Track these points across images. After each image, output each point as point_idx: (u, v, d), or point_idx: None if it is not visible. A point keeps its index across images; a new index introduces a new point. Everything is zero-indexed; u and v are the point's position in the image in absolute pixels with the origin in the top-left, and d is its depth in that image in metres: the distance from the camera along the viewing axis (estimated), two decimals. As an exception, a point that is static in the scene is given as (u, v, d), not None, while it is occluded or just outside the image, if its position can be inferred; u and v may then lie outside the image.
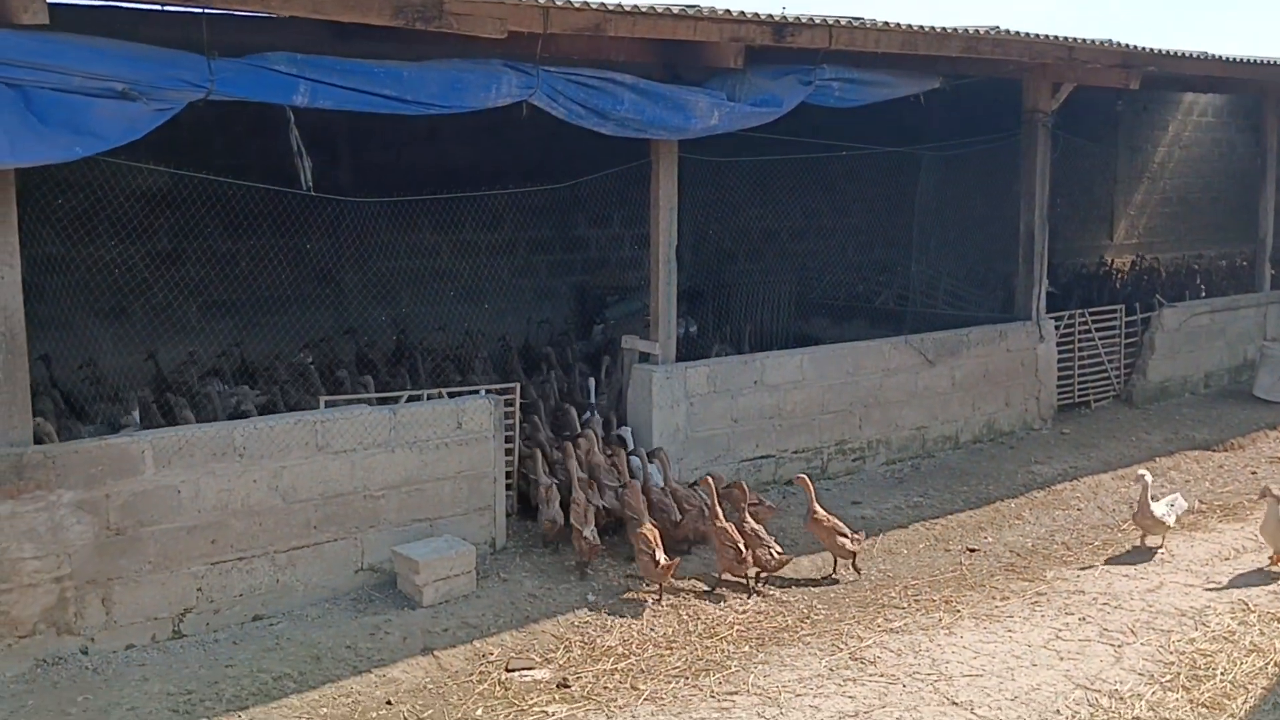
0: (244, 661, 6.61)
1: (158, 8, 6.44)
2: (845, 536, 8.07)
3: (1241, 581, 7.94)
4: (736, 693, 6.40)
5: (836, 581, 8.03)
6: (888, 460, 10.56)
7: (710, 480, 8.03)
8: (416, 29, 6.83)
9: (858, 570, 8.23)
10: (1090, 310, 12.83)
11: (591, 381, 10.31)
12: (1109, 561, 8.42)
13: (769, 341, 12.86)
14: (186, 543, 6.82)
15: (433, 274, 12.98)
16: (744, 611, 7.60)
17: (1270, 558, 8.17)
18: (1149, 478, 8.45)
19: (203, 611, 6.91)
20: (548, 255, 14.31)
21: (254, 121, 6.91)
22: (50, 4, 5.60)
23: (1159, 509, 8.42)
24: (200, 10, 6.14)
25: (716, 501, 7.90)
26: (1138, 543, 8.69)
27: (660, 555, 7.52)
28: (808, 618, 7.54)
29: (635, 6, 7.58)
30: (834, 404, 10.10)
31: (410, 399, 8.38)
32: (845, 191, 14.53)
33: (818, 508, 8.14)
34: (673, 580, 7.74)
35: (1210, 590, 7.80)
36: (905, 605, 7.66)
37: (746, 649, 7.03)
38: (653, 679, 6.60)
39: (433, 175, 12.12)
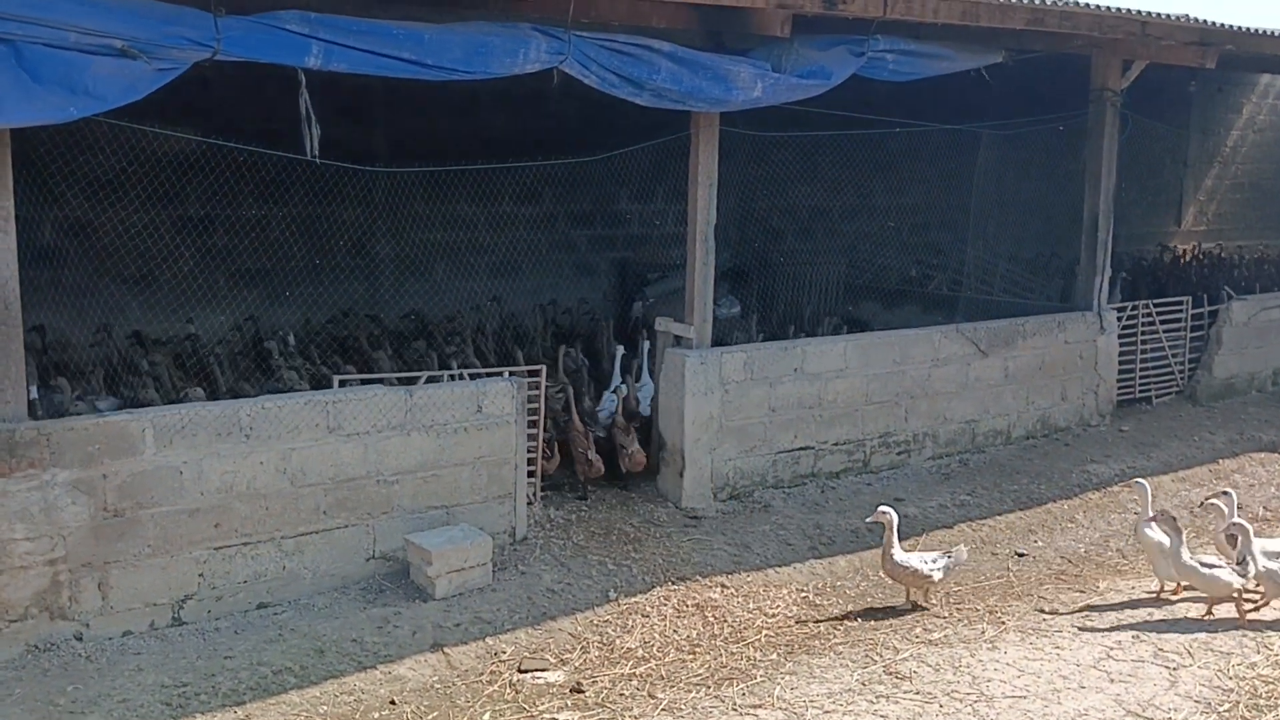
0: (244, 653, 6.30)
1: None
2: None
3: (1311, 600, 7.39)
4: (760, 706, 5.98)
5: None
6: (934, 455, 10.05)
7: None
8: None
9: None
10: (1155, 301, 12.19)
11: (619, 349, 9.91)
12: (1167, 573, 7.89)
13: (815, 324, 12.39)
14: (188, 526, 6.51)
15: (468, 247, 12.61)
16: (774, 615, 7.19)
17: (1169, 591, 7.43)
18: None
19: (204, 598, 6.61)
20: (588, 230, 13.90)
21: (289, 83, 6.55)
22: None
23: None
24: (206, -38, 5.76)
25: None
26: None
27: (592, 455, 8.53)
28: (841, 624, 7.11)
29: (675, -32, 7.11)
30: (879, 394, 9.61)
31: (430, 379, 8.02)
32: (900, 169, 13.95)
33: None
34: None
35: (1275, 609, 7.24)
36: (946, 614, 7.20)
37: (774, 657, 6.62)
38: (672, 687, 6.20)
39: (470, 145, 11.71)
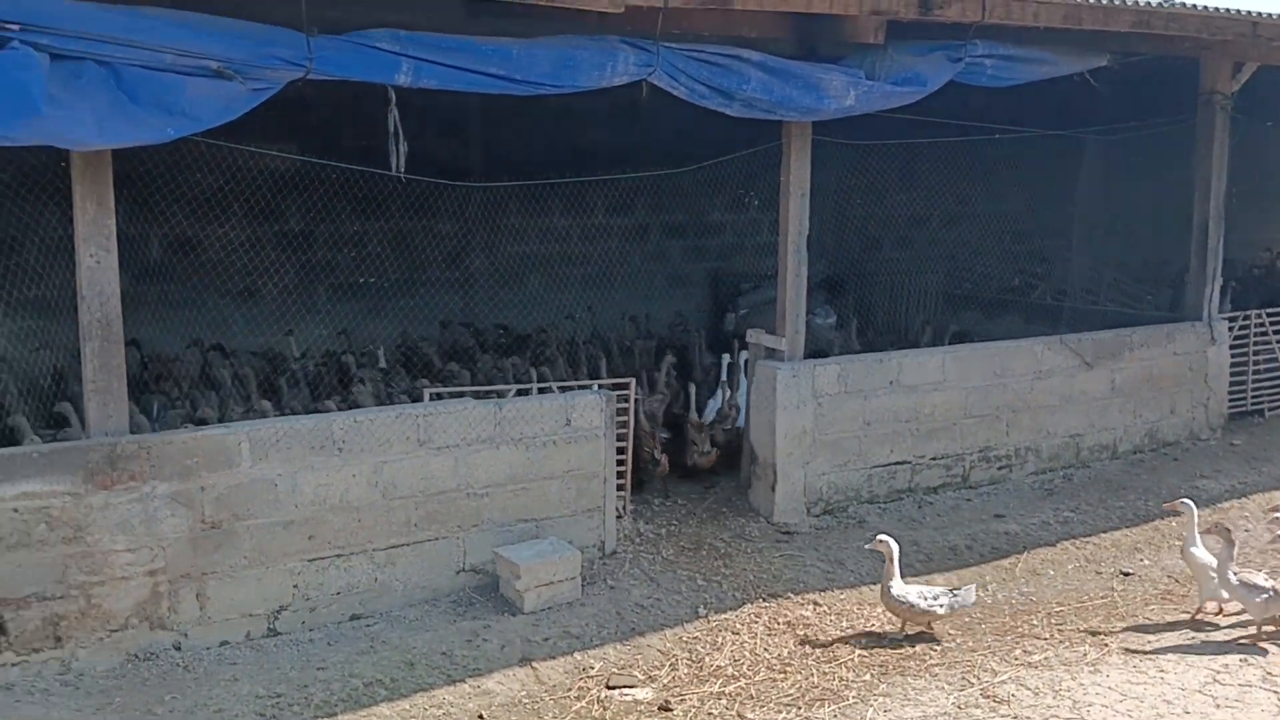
0: (336, 664, 6.36)
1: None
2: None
3: None
4: (852, 729, 5.86)
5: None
6: (1037, 470, 9.76)
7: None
8: (529, 1, 6.42)
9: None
10: (1267, 310, 11.68)
11: (727, 357, 9.88)
12: None
13: (913, 334, 12.15)
14: (283, 538, 6.61)
15: (562, 259, 12.65)
16: (867, 634, 7.03)
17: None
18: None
19: (299, 609, 6.69)
20: (681, 240, 13.84)
21: (386, 100, 6.63)
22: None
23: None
24: (298, -17, 5.84)
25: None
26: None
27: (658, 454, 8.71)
28: (938, 645, 6.92)
29: (765, -23, 7.01)
30: (978, 408, 9.36)
31: (519, 393, 8.03)
32: (1002, 176, 13.61)
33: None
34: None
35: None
36: (1047, 635, 6.97)
37: (868, 678, 6.46)
38: (762, 707, 6.10)
39: (564, 157, 11.78)
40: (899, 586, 6.89)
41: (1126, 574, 7.98)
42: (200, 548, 6.37)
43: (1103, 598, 7.60)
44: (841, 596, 7.52)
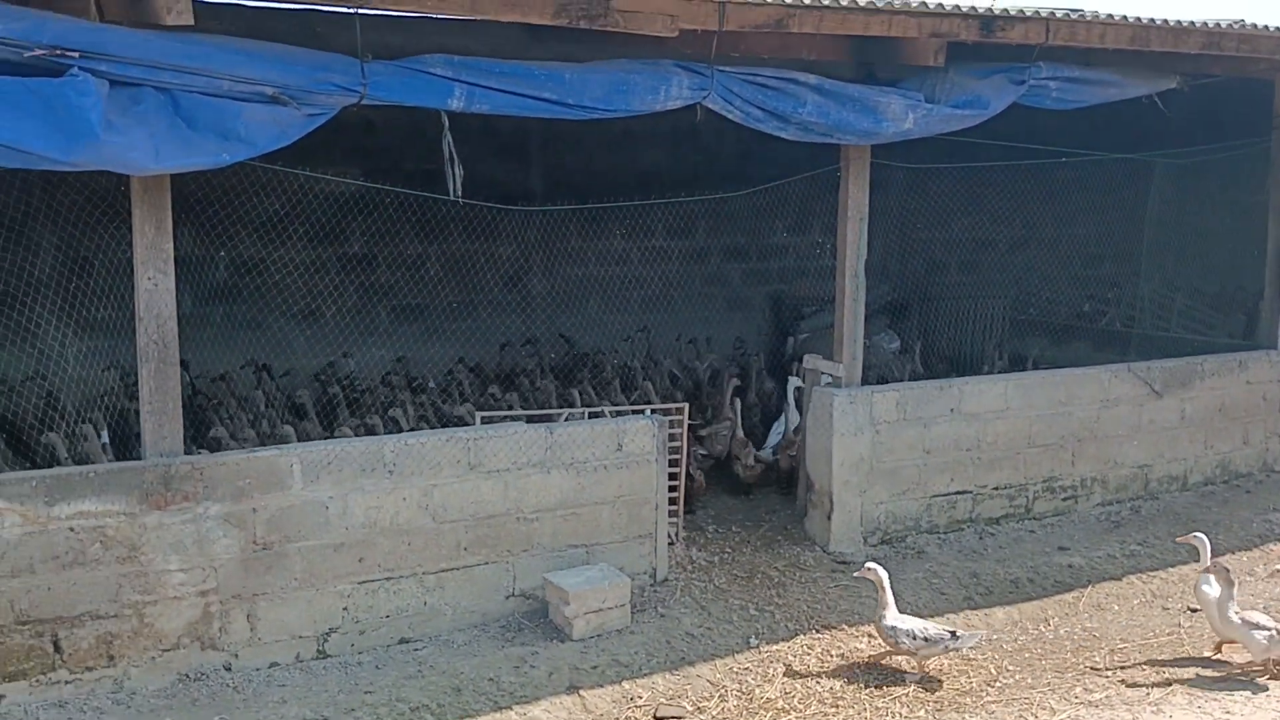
0: (384, 688, 6.35)
1: (307, 8, 6.22)
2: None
3: None
4: (904, 767, 5.71)
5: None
6: (1103, 501, 9.50)
7: None
8: (581, 27, 6.42)
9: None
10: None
11: (794, 380, 9.80)
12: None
13: (976, 361, 11.95)
14: (333, 560, 6.62)
15: (621, 281, 12.64)
16: (924, 669, 6.85)
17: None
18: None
19: (348, 632, 6.70)
20: (742, 263, 13.75)
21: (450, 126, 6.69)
22: (195, 2, 5.44)
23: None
24: (352, 10, 5.88)
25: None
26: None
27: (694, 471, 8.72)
28: (995, 681, 6.74)
29: (820, 0, 6.92)
30: (1042, 437, 9.13)
31: (570, 416, 8.00)
32: (1071, 199, 13.36)
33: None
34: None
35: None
36: (1110, 673, 6.75)
37: (922, 714, 6.31)
38: (812, 742, 5.98)
39: (624, 180, 11.80)
40: (892, 617, 6.71)
41: (1194, 610, 7.68)
42: (251, 569, 6.40)
43: (1169, 634, 7.36)
44: (897, 629, 7.35)
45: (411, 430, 8.29)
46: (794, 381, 9.74)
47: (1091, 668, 6.85)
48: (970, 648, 6.81)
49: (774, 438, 9.86)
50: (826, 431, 8.31)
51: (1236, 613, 6.59)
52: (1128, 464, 9.57)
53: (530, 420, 7.72)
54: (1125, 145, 10.64)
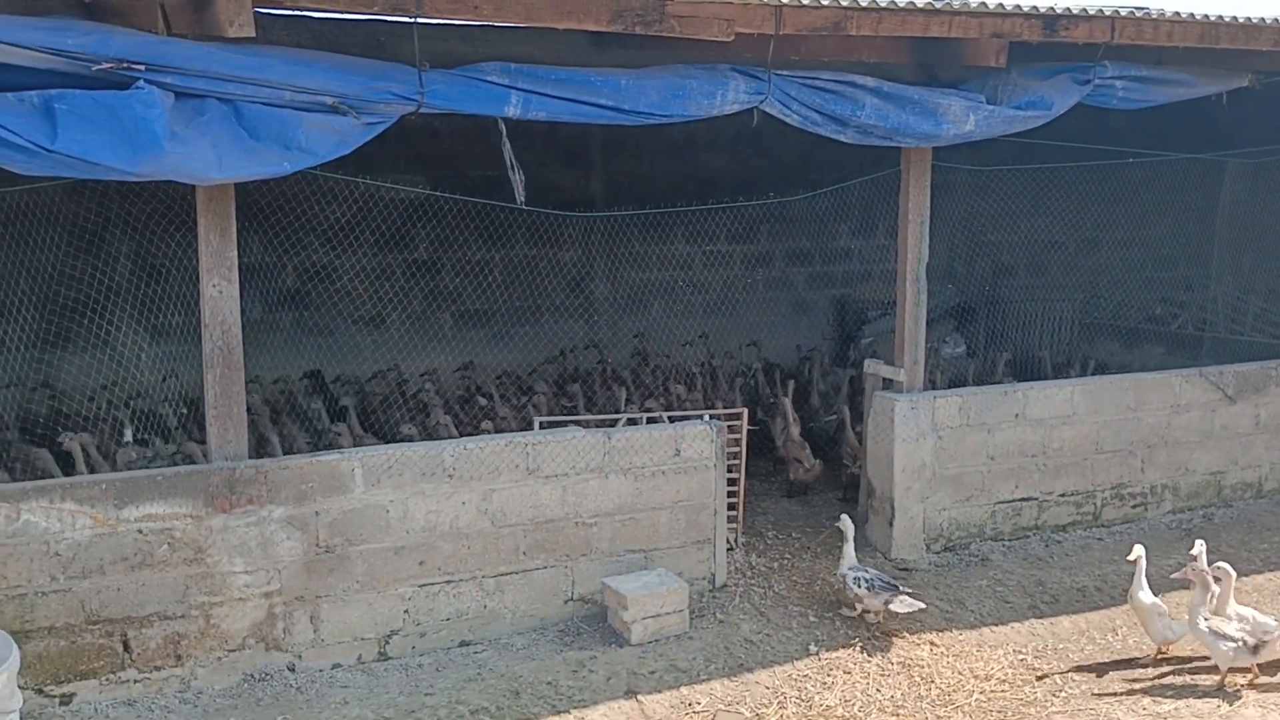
0: (444, 690, 6.41)
1: (368, 18, 6.31)
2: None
3: None
4: (964, 778, 5.62)
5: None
6: (1174, 509, 9.29)
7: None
8: (637, 33, 6.44)
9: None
10: None
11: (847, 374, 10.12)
12: None
13: (1042, 366, 11.75)
14: (394, 563, 6.70)
15: (684, 286, 12.63)
16: (987, 678, 6.76)
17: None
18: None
19: (409, 634, 6.78)
20: (805, 267, 13.66)
21: (511, 131, 6.74)
22: (256, 14, 5.54)
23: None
24: (411, 20, 5.95)
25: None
26: None
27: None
28: (1060, 691, 6.62)
29: (878, 2, 6.87)
30: (1110, 443, 8.96)
31: (629, 422, 8.01)
32: (1143, 200, 13.09)
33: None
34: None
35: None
36: (1180, 684, 6.59)
37: (983, 724, 6.22)
38: (871, 750, 5.92)
39: (686, 185, 11.78)
40: (846, 566, 7.29)
41: (1270, 621, 7.50)
42: (314, 571, 6.50)
43: (1243, 646, 7.16)
44: (960, 637, 7.26)
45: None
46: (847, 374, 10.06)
47: (1157, 677, 6.70)
48: (906, 611, 7.06)
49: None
50: (888, 437, 8.22)
51: (1205, 620, 6.52)
52: (1199, 471, 9.35)
53: (586, 426, 7.73)
54: (1197, 144, 10.40)
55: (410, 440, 8.02)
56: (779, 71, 6.97)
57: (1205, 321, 12.07)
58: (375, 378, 10.54)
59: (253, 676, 6.41)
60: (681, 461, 7.37)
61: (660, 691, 6.50)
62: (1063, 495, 8.82)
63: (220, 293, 6.20)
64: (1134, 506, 9.12)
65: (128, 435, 8.04)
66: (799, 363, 12.03)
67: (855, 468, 9.18)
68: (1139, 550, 6.99)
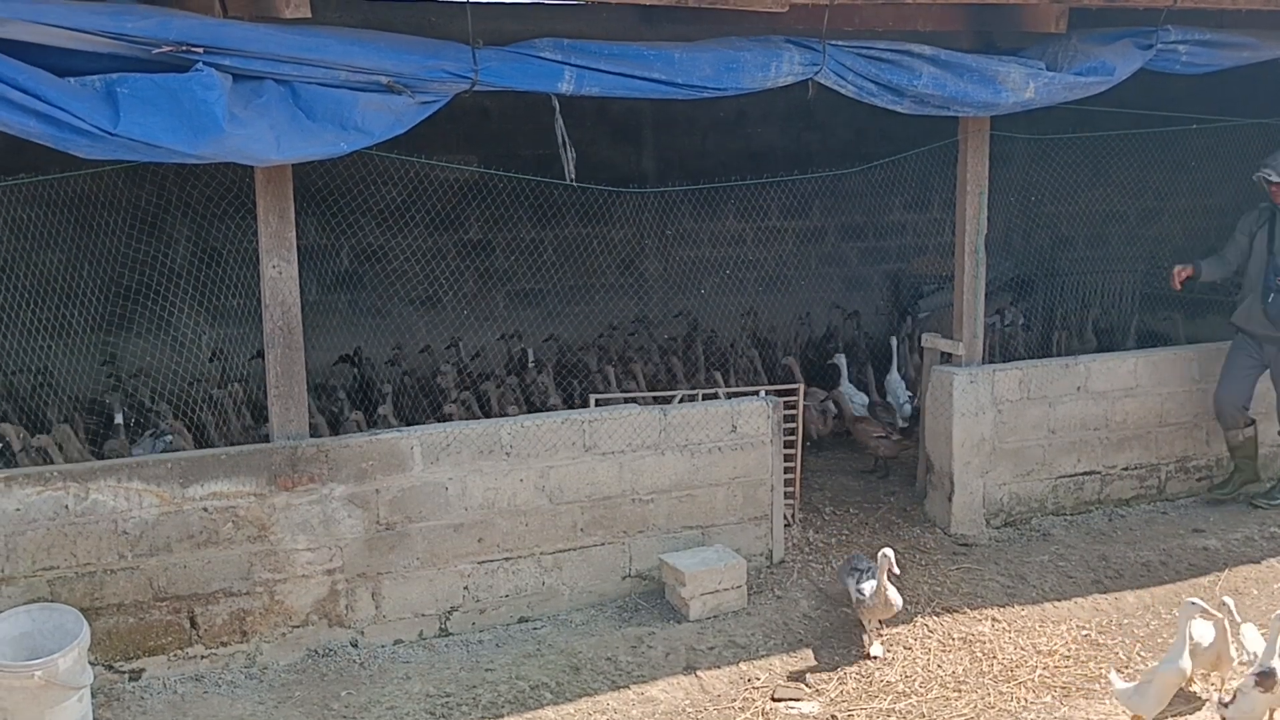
0: (504, 666, 6.46)
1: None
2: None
3: None
4: (1028, 753, 5.58)
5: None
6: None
7: None
8: (690, 6, 6.38)
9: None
10: None
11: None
12: None
13: (1106, 336, 11.56)
14: (454, 540, 6.75)
15: (736, 262, 12.56)
16: (1050, 653, 6.69)
17: None
18: None
19: (469, 610, 6.83)
20: (859, 242, 13.52)
21: (562, 108, 6.71)
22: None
23: None
24: (463, -1, 5.94)
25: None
26: None
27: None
28: (1126, 666, 6.54)
29: (935, -32, 6.75)
30: (1175, 415, 8.80)
31: (685, 399, 7.99)
32: (1205, 169, 12.80)
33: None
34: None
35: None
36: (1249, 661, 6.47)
37: (1048, 699, 6.16)
38: (933, 726, 5.88)
39: (738, 161, 11.69)
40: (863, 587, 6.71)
41: (1342, 596, 7.36)
42: (375, 548, 6.56)
43: (1314, 621, 7.02)
44: (1022, 613, 7.19)
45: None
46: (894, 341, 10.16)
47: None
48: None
49: (858, 397, 10.04)
50: (946, 411, 8.13)
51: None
52: (1268, 443, 9.13)
53: (643, 403, 7.73)
54: (1263, 109, 10.13)
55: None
56: (833, 42, 6.87)
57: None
58: (423, 352, 10.56)
59: (316, 652, 6.49)
60: (738, 438, 7.34)
61: (719, 667, 6.51)
62: (1125, 469, 8.69)
63: (280, 273, 6.25)
64: (1199, 480, 8.96)
65: (118, 419, 7.99)
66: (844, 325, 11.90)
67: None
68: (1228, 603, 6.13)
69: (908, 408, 9.99)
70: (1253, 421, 8.66)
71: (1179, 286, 8.91)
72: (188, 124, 5.35)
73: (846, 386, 9.95)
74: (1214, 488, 8.94)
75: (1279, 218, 8.52)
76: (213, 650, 6.26)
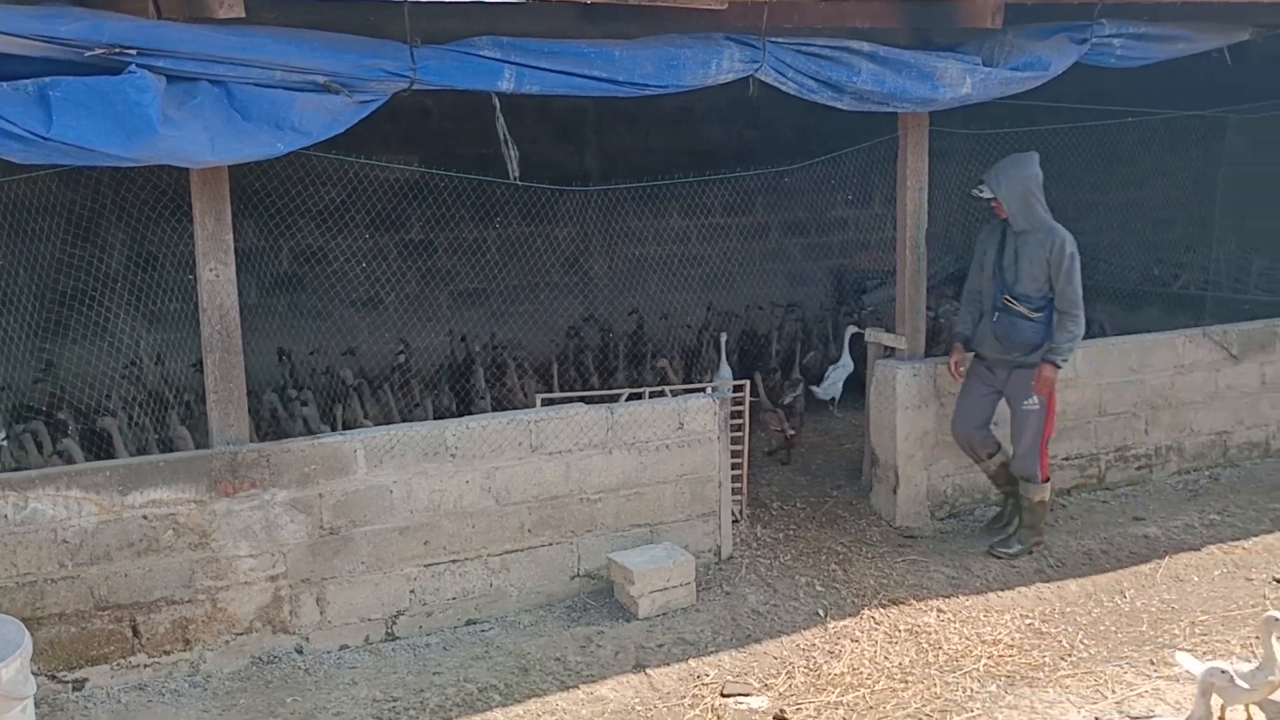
0: (452, 669, 6.41)
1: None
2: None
3: None
4: (975, 742, 5.63)
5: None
6: (1179, 470, 9.28)
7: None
8: (630, 3, 6.37)
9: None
10: None
11: (850, 329, 10.72)
12: None
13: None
14: (399, 544, 6.69)
15: (681, 260, 12.58)
16: (994, 643, 6.76)
17: None
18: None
19: (415, 614, 6.77)
20: (802, 238, 13.63)
21: (502, 107, 6.66)
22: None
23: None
24: (400, -2, 5.88)
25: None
26: None
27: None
28: (1070, 654, 6.62)
29: (872, -35, 6.80)
30: (1114, 405, 8.95)
31: (631, 397, 7.99)
32: (1140, 161, 13.03)
33: None
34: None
35: None
36: (1190, 647, 6.59)
37: (993, 689, 6.22)
38: (881, 717, 5.92)
39: (682, 158, 11.71)
40: None
41: (1279, 581, 7.52)
42: (319, 553, 6.48)
43: (1253, 606, 7.15)
44: (966, 603, 7.26)
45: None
46: (851, 329, 10.20)
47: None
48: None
49: (828, 383, 10.49)
50: (890, 405, 8.20)
51: None
52: (1205, 431, 9.34)
53: (589, 402, 7.71)
54: (1196, 102, 10.33)
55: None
56: (773, 39, 6.90)
57: (1207, 282, 12.03)
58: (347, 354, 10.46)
59: (261, 659, 6.40)
60: (685, 435, 7.35)
61: (668, 664, 6.50)
62: (1066, 459, 8.81)
63: (217, 276, 6.16)
64: (1138, 469, 9.12)
65: (1, 435, 7.68)
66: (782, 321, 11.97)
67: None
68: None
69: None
70: (998, 448, 8.04)
71: (959, 376, 8.04)
72: (121, 127, 5.25)
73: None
74: (989, 525, 8.27)
75: (1008, 234, 7.79)
76: (156, 659, 6.16)
